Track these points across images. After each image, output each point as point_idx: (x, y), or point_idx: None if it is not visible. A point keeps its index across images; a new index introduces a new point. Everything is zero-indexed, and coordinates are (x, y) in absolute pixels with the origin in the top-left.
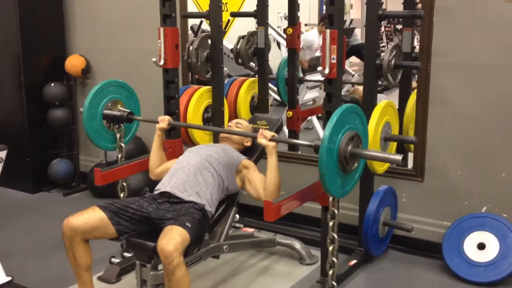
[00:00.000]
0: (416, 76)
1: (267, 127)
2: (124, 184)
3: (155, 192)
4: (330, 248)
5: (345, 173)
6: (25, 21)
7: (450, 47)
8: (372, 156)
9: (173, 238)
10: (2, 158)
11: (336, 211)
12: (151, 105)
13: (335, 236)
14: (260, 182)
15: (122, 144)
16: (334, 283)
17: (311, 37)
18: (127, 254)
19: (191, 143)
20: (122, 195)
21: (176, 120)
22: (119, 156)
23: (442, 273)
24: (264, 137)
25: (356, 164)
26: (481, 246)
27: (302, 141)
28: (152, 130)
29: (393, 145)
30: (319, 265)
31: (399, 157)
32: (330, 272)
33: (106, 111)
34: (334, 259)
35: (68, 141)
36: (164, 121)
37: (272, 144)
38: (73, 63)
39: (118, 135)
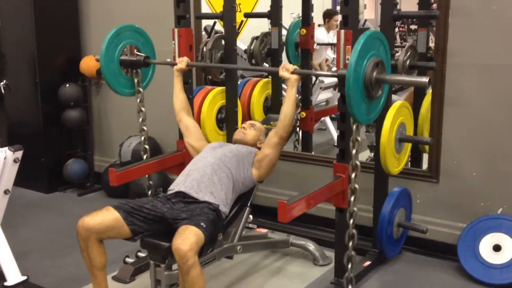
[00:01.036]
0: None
1: None
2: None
3: (169, 192)
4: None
5: (370, 99)
6: (40, 22)
7: (465, 48)
8: (398, 81)
9: (188, 237)
10: (18, 158)
11: (359, 138)
12: (164, 104)
13: (358, 163)
14: (269, 135)
15: (141, 89)
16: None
17: (320, 36)
18: (141, 254)
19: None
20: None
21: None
22: (138, 101)
23: (457, 275)
24: (286, 69)
25: (380, 91)
26: (497, 248)
27: (324, 72)
28: (166, 132)
29: (408, 146)
30: (333, 266)
31: (425, 80)
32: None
33: (122, 57)
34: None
35: (82, 141)
36: (182, 61)
37: (295, 76)
38: (88, 64)
39: (136, 80)
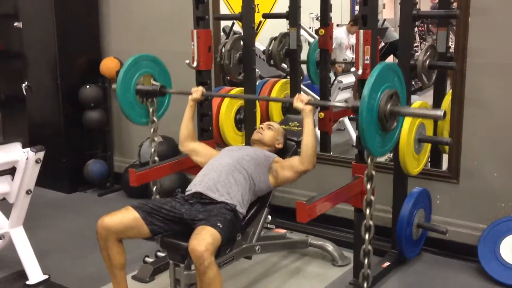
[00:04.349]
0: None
1: (299, 128)
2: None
3: (187, 193)
4: (367, 211)
5: (385, 132)
6: (61, 25)
7: (486, 47)
8: (412, 113)
9: (204, 238)
10: (40, 159)
11: (373, 173)
12: (184, 106)
13: (372, 199)
14: (294, 159)
15: (155, 119)
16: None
17: (339, 34)
18: (161, 254)
19: (224, 144)
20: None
21: (208, 122)
22: (152, 130)
23: (478, 277)
24: (301, 100)
25: (395, 123)
26: None
27: (338, 103)
28: None
29: (427, 146)
30: (352, 267)
31: (440, 112)
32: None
33: (139, 86)
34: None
35: (103, 142)
36: (198, 91)
37: (309, 107)
38: (108, 65)
39: (151, 109)
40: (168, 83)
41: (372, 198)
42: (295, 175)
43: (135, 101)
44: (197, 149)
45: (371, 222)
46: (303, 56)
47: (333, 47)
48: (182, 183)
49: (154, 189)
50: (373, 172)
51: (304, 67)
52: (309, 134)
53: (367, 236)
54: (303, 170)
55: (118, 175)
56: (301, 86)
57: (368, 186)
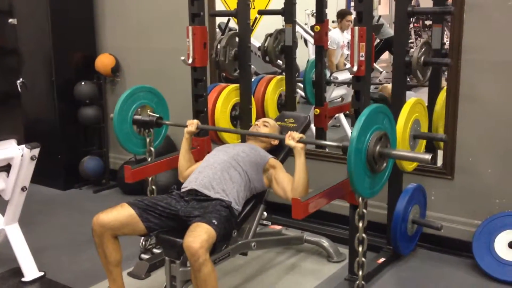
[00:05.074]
0: (446, 73)
1: (294, 125)
2: (154, 187)
3: (182, 190)
4: (360, 249)
5: (374, 173)
6: (56, 20)
7: (481, 44)
8: (401, 156)
9: (199, 235)
10: (35, 155)
11: (365, 211)
12: (179, 104)
13: (365, 236)
14: (288, 183)
15: (152, 149)
16: (363, 283)
17: (334, 35)
18: (156, 250)
19: (219, 141)
20: (151, 195)
21: (204, 118)
22: (149, 160)
23: (472, 272)
24: (292, 138)
25: (384, 164)
26: None
27: (330, 142)
28: (180, 129)
29: (422, 142)
30: (347, 263)
31: (428, 156)
32: (360, 273)
33: (136, 117)
34: (363, 259)
35: (98, 138)
36: (192, 124)
37: (300, 145)
38: (103, 62)
39: (148, 140)
40: (165, 113)
41: (364, 236)
42: (285, 197)
43: (131, 131)
44: (193, 169)
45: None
46: (299, 56)
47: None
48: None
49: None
50: (365, 211)
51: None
52: (301, 172)
53: (360, 224)
54: (293, 200)
55: (114, 172)
56: (298, 84)
57: (360, 224)
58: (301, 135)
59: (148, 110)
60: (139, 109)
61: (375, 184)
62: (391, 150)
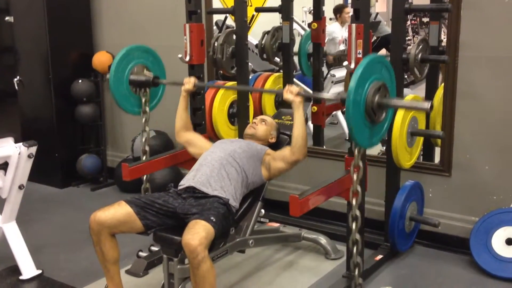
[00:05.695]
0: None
1: (292, 122)
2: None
3: (180, 188)
4: (353, 202)
5: (373, 124)
6: (53, 18)
7: (478, 41)
8: (400, 105)
9: (197, 232)
10: (32, 154)
11: (360, 164)
12: (176, 101)
13: (358, 189)
14: (285, 150)
15: (147, 109)
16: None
17: (332, 29)
18: (154, 248)
19: (216, 138)
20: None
21: (201, 116)
22: (143, 120)
23: (470, 269)
24: (291, 92)
25: (384, 115)
26: (510, 242)
27: (326, 94)
28: None
29: (420, 139)
30: (345, 260)
31: (427, 105)
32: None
33: (132, 76)
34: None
35: (95, 136)
36: (190, 82)
37: (299, 99)
38: (100, 59)
39: (143, 100)
40: (161, 73)
41: (359, 189)
42: (287, 166)
43: (128, 91)
44: (192, 140)
45: (357, 213)
46: (295, 49)
47: (325, 41)
48: (175, 178)
49: (143, 190)
50: (361, 164)
51: (295, 58)
52: (300, 125)
53: (354, 225)
54: (294, 160)
55: (111, 170)
56: (295, 80)
57: (355, 176)
58: (298, 88)
59: (145, 70)
60: (135, 69)
61: (374, 134)
62: (390, 99)
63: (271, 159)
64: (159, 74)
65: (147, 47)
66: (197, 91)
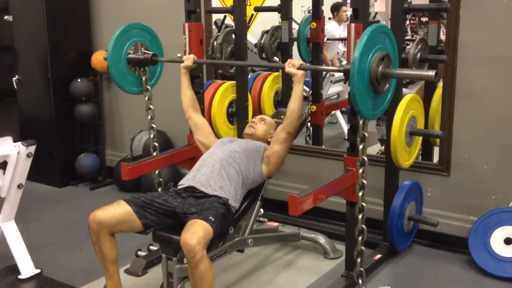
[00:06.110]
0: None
1: None
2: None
3: (179, 187)
4: (360, 193)
5: (377, 94)
6: (51, 18)
7: (477, 40)
8: (404, 75)
9: (196, 232)
10: (31, 153)
11: (366, 134)
12: (176, 101)
13: (365, 158)
14: (277, 130)
15: (148, 87)
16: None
17: (330, 28)
18: (153, 247)
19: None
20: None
21: (202, 114)
22: (146, 99)
23: (468, 268)
24: (293, 65)
25: (387, 85)
26: (508, 241)
27: (330, 67)
28: (176, 126)
29: (419, 139)
30: (344, 259)
31: (431, 73)
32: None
33: (130, 55)
34: (364, 180)
35: (94, 136)
36: (189, 59)
37: (301, 72)
38: (99, 58)
39: (143, 78)
40: (159, 51)
41: (365, 158)
42: (282, 146)
43: (126, 70)
44: (200, 125)
45: (364, 181)
46: (295, 52)
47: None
48: (175, 177)
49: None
50: (366, 134)
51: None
52: (297, 99)
53: (360, 193)
54: (286, 135)
55: (110, 169)
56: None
57: (361, 146)
58: (301, 62)
59: (142, 49)
60: (133, 47)
61: (377, 105)
62: (394, 69)
63: (269, 149)
64: (157, 52)
65: (145, 25)
66: (196, 75)
